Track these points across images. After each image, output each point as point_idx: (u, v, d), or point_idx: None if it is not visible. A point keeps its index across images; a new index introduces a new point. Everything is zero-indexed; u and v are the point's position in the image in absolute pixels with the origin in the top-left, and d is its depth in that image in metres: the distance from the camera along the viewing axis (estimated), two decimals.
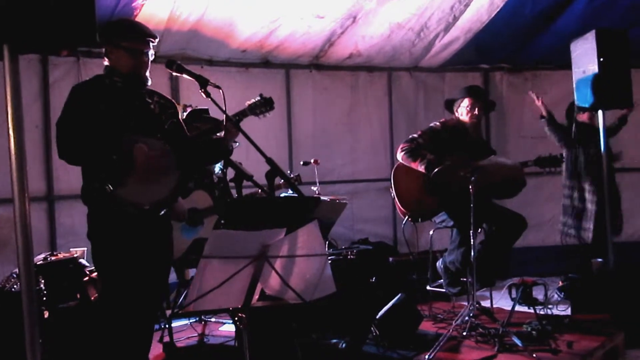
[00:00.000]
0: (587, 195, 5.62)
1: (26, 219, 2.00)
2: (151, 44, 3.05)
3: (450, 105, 4.84)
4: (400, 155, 4.70)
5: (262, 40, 5.83)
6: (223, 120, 3.10)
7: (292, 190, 3.01)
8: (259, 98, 3.19)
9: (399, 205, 4.70)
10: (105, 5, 4.56)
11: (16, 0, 1.95)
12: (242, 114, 3.16)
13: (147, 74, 3.07)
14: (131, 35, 3.02)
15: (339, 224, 4.63)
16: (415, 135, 4.76)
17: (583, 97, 4.86)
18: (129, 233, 2.94)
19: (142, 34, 3.03)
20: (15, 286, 3.67)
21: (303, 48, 6.14)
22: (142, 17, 4.82)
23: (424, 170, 4.52)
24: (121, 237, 2.94)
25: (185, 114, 4.54)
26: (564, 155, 5.63)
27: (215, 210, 4.13)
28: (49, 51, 2.00)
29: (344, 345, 3.95)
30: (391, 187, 4.77)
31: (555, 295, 5.49)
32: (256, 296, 2.40)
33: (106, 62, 3.04)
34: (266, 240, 2.25)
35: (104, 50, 3.03)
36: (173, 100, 3.29)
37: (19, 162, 1.99)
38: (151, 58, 3.07)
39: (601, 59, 4.65)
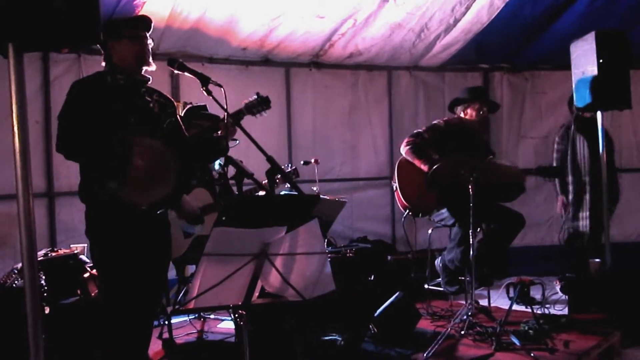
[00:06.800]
0: (586, 187, 5.64)
1: (30, 216, 2.01)
2: (148, 33, 3.12)
3: (455, 105, 4.88)
4: (404, 150, 4.73)
5: (263, 39, 5.84)
6: (221, 118, 3.12)
7: (292, 188, 3.03)
8: (255, 97, 3.21)
9: (400, 198, 4.73)
10: (106, 3, 4.58)
11: None
12: (240, 113, 3.17)
13: (151, 68, 3.11)
14: (130, 22, 3.12)
15: (337, 222, 4.66)
16: (420, 131, 4.80)
17: (582, 98, 4.88)
18: (126, 230, 2.95)
19: (139, 19, 3.16)
20: (16, 282, 3.70)
21: (303, 47, 6.15)
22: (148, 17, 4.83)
23: (426, 170, 4.55)
24: (119, 235, 2.95)
25: (183, 111, 4.56)
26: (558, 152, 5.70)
27: (215, 207, 4.14)
28: (52, 48, 2.01)
29: (342, 342, 3.98)
30: (394, 180, 4.80)
31: (557, 293, 5.52)
32: (256, 293, 2.42)
33: (104, 63, 3.09)
34: (267, 238, 2.28)
35: (104, 50, 3.06)
36: (172, 99, 3.32)
37: (23, 159, 1.99)
38: (150, 45, 3.12)
39: (600, 60, 4.67)
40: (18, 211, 2.02)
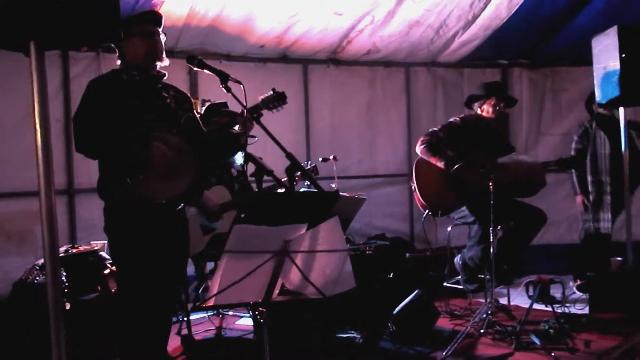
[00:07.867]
0: (607, 188, 5.58)
1: (53, 212, 2.01)
2: (159, 28, 3.13)
3: (472, 101, 4.84)
4: (419, 149, 4.72)
5: (280, 36, 5.84)
6: (239, 114, 3.12)
7: (312, 185, 3.02)
8: (271, 92, 3.20)
9: (419, 198, 4.70)
10: (125, 2, 4.60)
11: None
12: (256, 108, 3.17)
13: (164, 63, 3.11)
14: (137, 19, 3.12)
15: (355, 220, 4.64)
16: (435, 129, 4.78)
17: (604, 94, 4.81)
18: (144, 227, 2.96)
19: (146, 14, 3.19)
20: (37, 278, 3.73)
21: (321, 44, 6.14)
22: (161, 13, 4.85)
23: (443, 167, 4.54)
24: (137, 231, 2.97)
25: (203, 108, 4.57)
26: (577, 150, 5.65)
27: (234, 204, 4.15)
28: (73, 47, 2.01)
29: (360, 340, 3.97)
30: (412, 180, 4.78)
31: (575, 293, 5.47)
32: (276, 291, 2.42)
33: (119, 61, 3.12)
34: (287, 236, 2.27)
35: (117, 48, 3.09)
36: (188, 95, 3.32)
37: (45, 157, 2.00)
38: (163, 40, 3.12)
39: (623, 55, 4.59)
40: (40, 208, 2.03)
